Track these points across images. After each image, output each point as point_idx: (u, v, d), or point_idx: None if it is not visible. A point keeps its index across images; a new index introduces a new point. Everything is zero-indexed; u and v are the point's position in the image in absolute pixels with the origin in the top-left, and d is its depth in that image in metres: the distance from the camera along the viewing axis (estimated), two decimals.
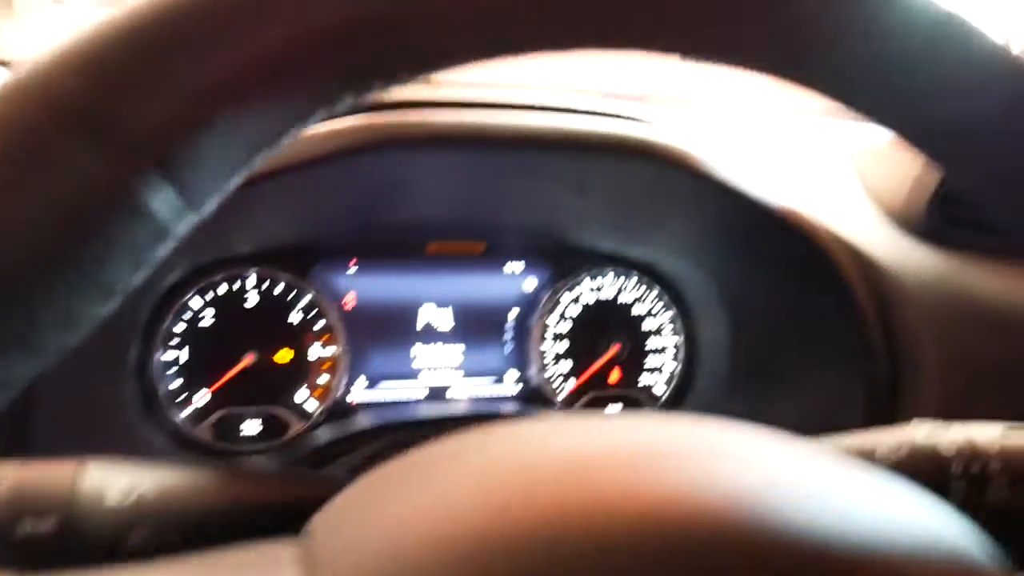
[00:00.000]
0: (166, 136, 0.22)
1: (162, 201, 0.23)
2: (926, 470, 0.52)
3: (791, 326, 0.86)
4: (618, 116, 0.71)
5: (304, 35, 0.23)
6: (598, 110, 0.71)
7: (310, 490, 0.47)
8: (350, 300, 0.95)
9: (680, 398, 1.04)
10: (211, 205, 0.25)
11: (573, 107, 0.71)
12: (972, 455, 0.51)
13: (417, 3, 0.24)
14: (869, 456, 0.54)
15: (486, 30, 0.25)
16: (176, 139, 0.22)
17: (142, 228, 0.23)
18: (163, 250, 0.24)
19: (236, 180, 0.25)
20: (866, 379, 0.76)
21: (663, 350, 1.04)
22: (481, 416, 0.89)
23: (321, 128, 0.66)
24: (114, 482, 0.41)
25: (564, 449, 0.27)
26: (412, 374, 0.98)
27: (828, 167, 0.90)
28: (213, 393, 0.88)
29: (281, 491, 0.47)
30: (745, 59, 0.28)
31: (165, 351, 0.87)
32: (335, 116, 0.66)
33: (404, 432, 0.87)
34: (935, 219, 0.78)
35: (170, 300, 0.87)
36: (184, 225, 0.24)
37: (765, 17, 0.26)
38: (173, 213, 0.23)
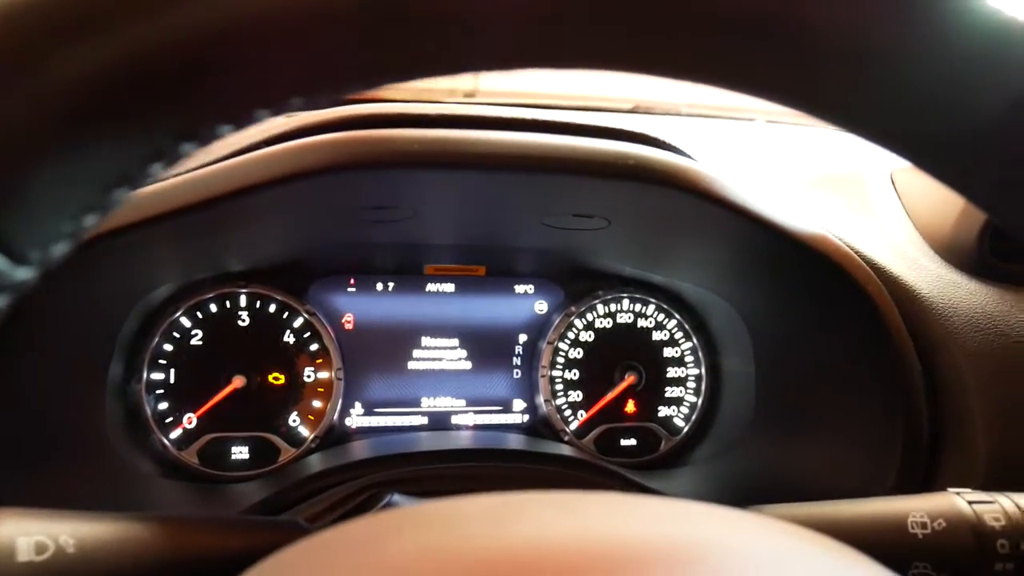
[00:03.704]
0: None
1: None
2: (967, 546, 0.46)
3: (822, 363, 0.79)
4: (634, 138, 0.65)
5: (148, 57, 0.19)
6: (614, 132, 0.64)
7: (246, 542, 0.43)
8: (347, 321, 0.90)
9: (702, 434, 0.97)
10: (57, 252, 0.22)
11: (588, 127, 0.64)
12: (1022, 532, 0.45)
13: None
14: (899, 524, 0.47)
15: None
16: None
17: None
18: None
19: (86, 224, 0.22)
20: (904, 427, 0.68)
21: (684, 381, 0.97)
22: (485, 450, 0.83)
23: (317, 138, 0.61)
24: (27, 533, 0.38)
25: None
26: (412, 401, 0.92)
27: (866, 187, 0.82)
28: (199, 417, 0.84)
29: (218, 543, 0.44)
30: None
31: (151, 371, 0.83)
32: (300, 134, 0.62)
33: (401, 463, 0.82)
34: (986, 252, 0.70)
35: (158, 318, 0.83)
36: (21, 276, 0.21)
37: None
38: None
